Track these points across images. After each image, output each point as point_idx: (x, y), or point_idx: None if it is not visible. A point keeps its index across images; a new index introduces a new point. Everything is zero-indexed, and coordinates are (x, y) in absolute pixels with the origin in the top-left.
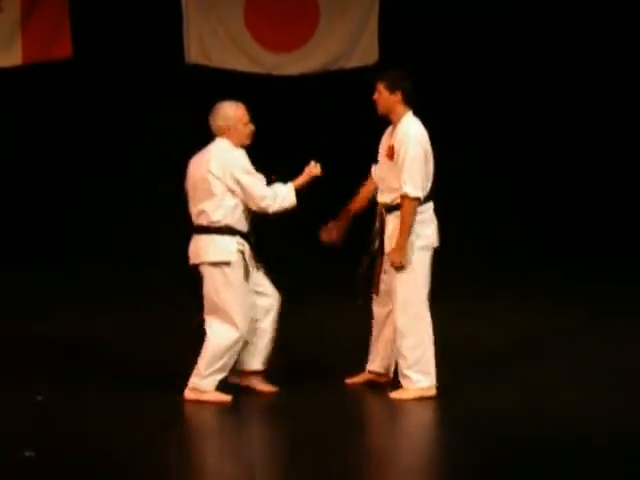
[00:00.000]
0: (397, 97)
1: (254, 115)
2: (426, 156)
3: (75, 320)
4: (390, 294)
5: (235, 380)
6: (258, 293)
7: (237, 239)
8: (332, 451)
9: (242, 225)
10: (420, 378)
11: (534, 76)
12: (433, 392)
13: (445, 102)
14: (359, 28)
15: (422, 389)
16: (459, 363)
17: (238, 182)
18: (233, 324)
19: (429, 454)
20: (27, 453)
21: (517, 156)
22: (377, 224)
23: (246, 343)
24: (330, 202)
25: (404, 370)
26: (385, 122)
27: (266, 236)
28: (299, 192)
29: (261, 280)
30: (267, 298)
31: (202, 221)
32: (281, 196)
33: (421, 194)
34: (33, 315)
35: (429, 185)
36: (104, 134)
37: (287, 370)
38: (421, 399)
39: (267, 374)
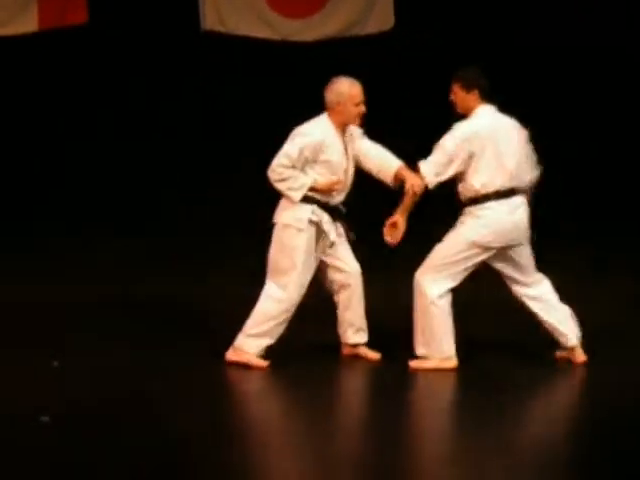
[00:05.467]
0: (474, 96)
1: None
2: (494, 149)
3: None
4: None
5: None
6: (335, 267)
7: (313, 208)
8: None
9: (322, 196)
10: (426, 353)
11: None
12: (452, 364)
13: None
14: None
15: (440, 359)
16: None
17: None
18: (285, 291)
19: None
20: (42, 418)
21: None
22: None
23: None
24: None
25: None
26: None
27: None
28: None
29: (342, 253)
30: (342, 274)
31: None
32: (290, 185)
33: (432, 180)
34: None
35: (498, 180)
36: (119, 101)
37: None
38: (439, 369)
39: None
